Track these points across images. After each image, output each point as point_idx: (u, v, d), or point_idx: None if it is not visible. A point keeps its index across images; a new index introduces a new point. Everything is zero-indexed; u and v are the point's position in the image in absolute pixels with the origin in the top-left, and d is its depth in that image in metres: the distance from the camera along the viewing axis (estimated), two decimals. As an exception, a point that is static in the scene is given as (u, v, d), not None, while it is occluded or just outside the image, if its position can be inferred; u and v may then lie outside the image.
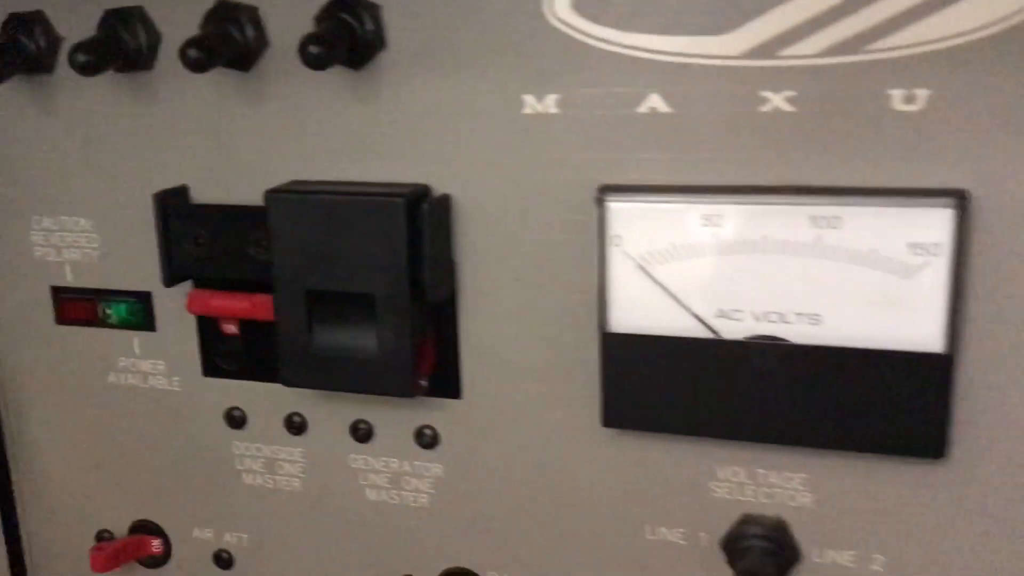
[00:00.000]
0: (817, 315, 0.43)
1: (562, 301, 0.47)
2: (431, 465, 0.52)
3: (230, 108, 0.50)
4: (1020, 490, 0.43)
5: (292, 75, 0.48)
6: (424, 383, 0.49)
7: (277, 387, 0.54)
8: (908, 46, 0.40)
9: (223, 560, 0.58)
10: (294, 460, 0.55)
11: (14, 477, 0.61)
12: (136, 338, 0.56)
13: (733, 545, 0.47)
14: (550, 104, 0.45)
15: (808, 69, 0.41)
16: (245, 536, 0.57)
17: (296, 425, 0.54)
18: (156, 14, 0.50)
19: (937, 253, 0.40)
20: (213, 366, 0.55)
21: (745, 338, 0.44)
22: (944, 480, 0.43)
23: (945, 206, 0.40)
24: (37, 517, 0.62)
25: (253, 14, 0.48)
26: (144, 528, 0.59)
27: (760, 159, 0.43)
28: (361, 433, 0.53)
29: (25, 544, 0.63)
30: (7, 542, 0.62)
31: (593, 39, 0.44)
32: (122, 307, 0.55)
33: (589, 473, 0.49)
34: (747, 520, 0.47)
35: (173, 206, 0.51)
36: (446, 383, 0.50)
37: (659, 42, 0.43)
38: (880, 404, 0.42)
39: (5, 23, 0.52)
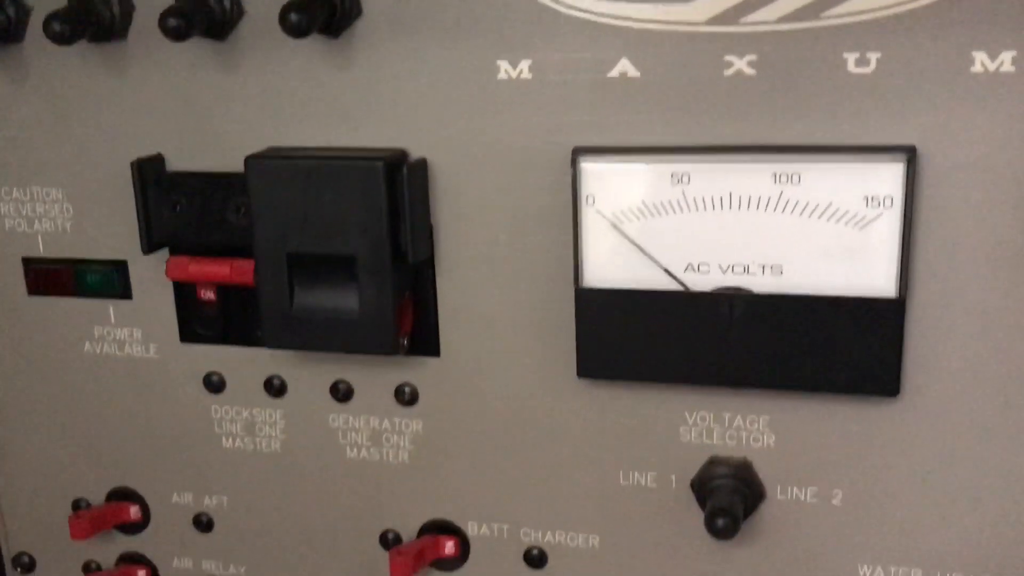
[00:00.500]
0: (779, 266, 0.46)
1: (537, 260, 0.49)
2: (411, 422, 0.54)
3: (206, 77, 0.51)
4: (967, 424, 0.46)
5: (268, 44, 0.49)
6: (404, 342, 0.51)
7: (256, 351, 0.55)
8: (860, 12, 0.43)
9: (203, 523, 0.59)
10: (274, 422, 0.56)
11: (-14, 450, 0.62)
12: (112, 307, 0.56)
13: (702, 486, 0.50)
14: (524, 70, 0.47)
15: (769, 35, 0.44)
16: (225, 499, 0.58)
17: (275, 388, 0.55)
18: (128, -16, 0.51)
19: (889, 205, 0.44)
20: (191, 332, 0.56)
21: (712, 290, 0.46)
22: (897, 417, 0.47)
23: (896, 161, 0.43)
24: (12, 488, 0.62)
25: (228, -17, 0.49)
26: (121, 495, 0.60)
27: (725, 120, 0.45)
28: (341, 393, 0.54)
29: (1, 515, 0.63)
30: (-20, 515, 0.62)
31: (565, 6, 0.45)
32: (97, 276, 0.56)
33: (564, 423, 0.51)
34: (714, 461, 0.50)
35: (151, 174, 0.52)
36: (425, 342, 0.52)
37: (628, 9, 0.45)
38: (838, 347, 0.45)
39: (-28, -7, 0.52)
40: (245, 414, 0.56)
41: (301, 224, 0.49)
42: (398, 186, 0.48)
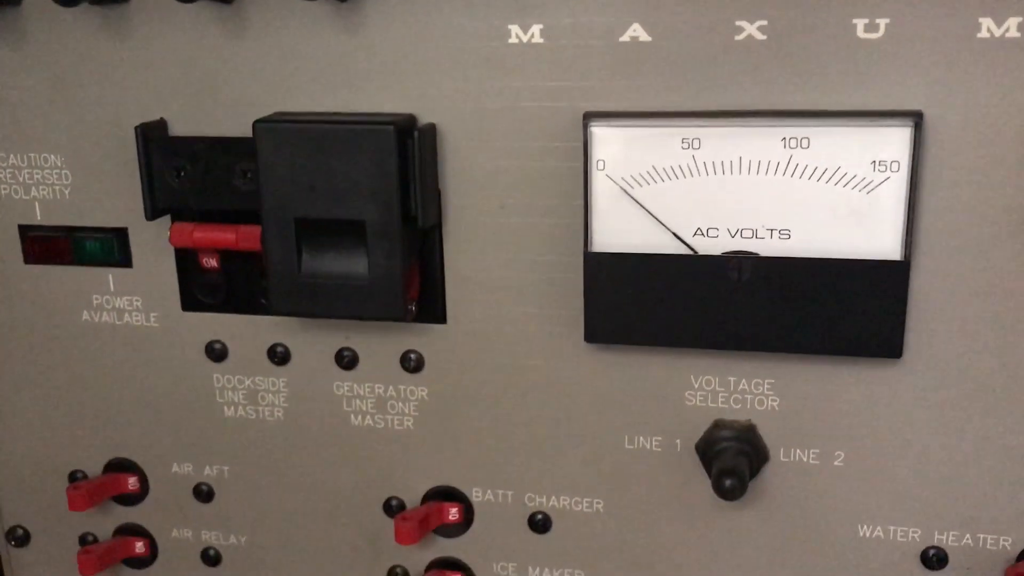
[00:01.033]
0: (787, 230, 0.46)
1: (546, 225, 0.50)
2: (416, 388, 0.54)
3: (211, 40, 0.51)
4: (967, 386, 0.47)
5: (276, 7, 0.49)
6: (412, 308, 0.51)
7: (259, 318, 0.55)
8: (869, -21, 0.43)
9: (203, 493, 0.59)
10: (277, 390, 0.56)
11: (-21, 421, 0.61)
12: (111, 275, 0.56)
13: (707, 448, 0.50)
14: (535, 34, 0.47)
15: (779, 0, 0.44)
16: (226, 468, 0.58)
17: (279, 356, 0.55)
18: (132, -54, 0.50)
19: (896, 169, 0.44)
20: (193, 300, 0.55)
21: (721, 254, 0.47)
22: (900, 379, 0.48)
23: (903, 125, 0.44)
24: (7, 460, 0.61)
25: (236, -54, 0.49)
26: (119, 466, 0.60)
27: (735, 85, 0.46)
28: (346, 361, 0.54)
29: (-5, 487, 0.62)
30: (-27, 487, 0.62)
31: (577, -29, 0.46)
32: (96, 244, 0.55)
33: (571, 389, 0.52)
34: (719, 424, 0.50)
35: (154, 139, 0.52)
36: (431, 308, 0.52)
37: (641, -26, 0.45)
38: (844, 310, 0.46)
39: (-31, -46, 0.51)
40: (248, 382, 0.56)
41: (310, 189, 0.49)
42: (409, 150, 0.48)
